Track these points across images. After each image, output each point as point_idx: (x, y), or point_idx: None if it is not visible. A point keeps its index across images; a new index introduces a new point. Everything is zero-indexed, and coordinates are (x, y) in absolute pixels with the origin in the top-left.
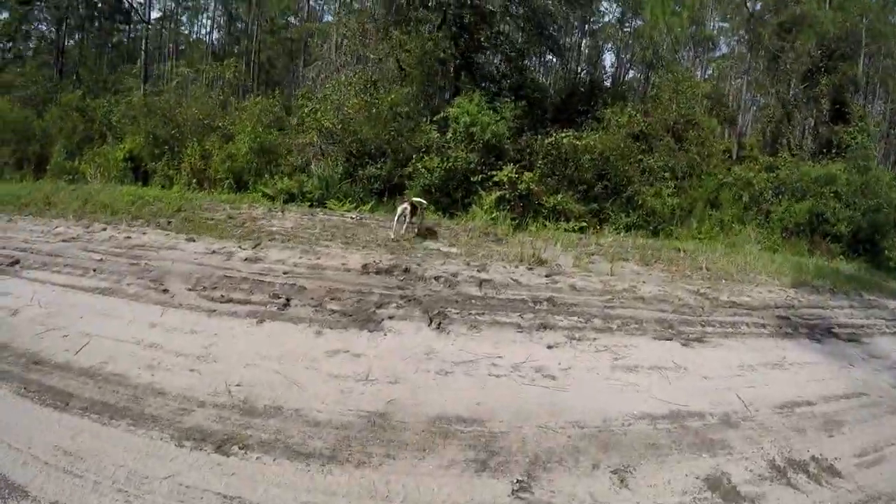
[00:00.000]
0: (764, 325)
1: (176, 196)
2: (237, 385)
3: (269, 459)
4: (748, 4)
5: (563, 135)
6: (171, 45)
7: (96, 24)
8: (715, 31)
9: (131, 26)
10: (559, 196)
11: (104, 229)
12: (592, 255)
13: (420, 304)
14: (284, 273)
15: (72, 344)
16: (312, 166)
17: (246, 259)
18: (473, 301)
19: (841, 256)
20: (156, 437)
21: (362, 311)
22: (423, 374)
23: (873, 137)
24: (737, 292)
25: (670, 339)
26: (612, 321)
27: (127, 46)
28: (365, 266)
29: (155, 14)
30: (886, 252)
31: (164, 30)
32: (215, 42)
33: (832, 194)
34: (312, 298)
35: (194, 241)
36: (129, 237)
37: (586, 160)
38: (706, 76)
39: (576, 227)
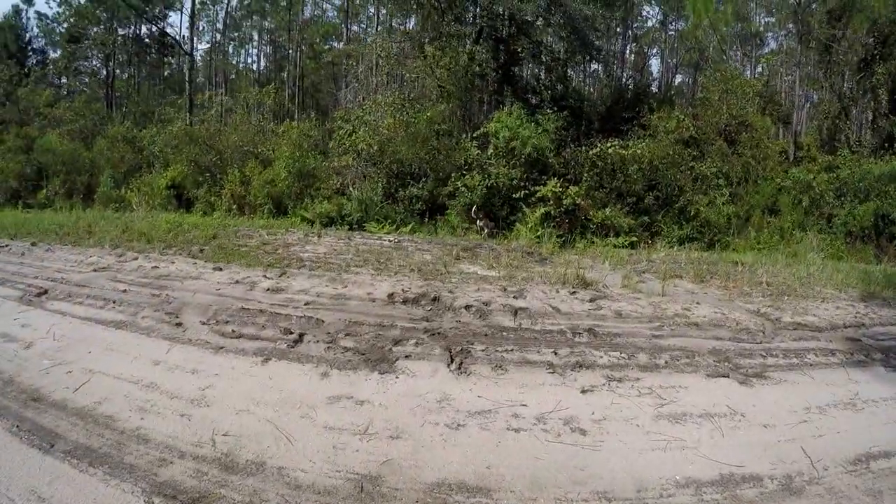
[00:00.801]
0: (833, 352)
1: (214, 223)
2: (224, 435)
3: None
4: None
5: (609, 144)
6: (220, 75)
7: (147, 57)
8: (762, 27)
9: (180, 58)
10: (607, 210)
11: (136, 258)
12: (643, 272)
13: (444, 338)
14: (305, 304)
15: (73, 381)
16: (351, 189)
17: (268, 289)
18: (505, 334)
19: None
20: (127, 489)
21: (377, 349)
22: (430, 427)
23: None
24: (801, 310)
25: (726, 376)
26: (659, 355)
27: (176, 78)
28: (391, 295)
29: (203, 46)
30: None
31: (212, 61)
32: (262, 70)
33: None
34: (328, 334)
35: (220, 270)
36: (156, 266)
37: (634, 170)
38: (756, 74)
39: (626, 243)
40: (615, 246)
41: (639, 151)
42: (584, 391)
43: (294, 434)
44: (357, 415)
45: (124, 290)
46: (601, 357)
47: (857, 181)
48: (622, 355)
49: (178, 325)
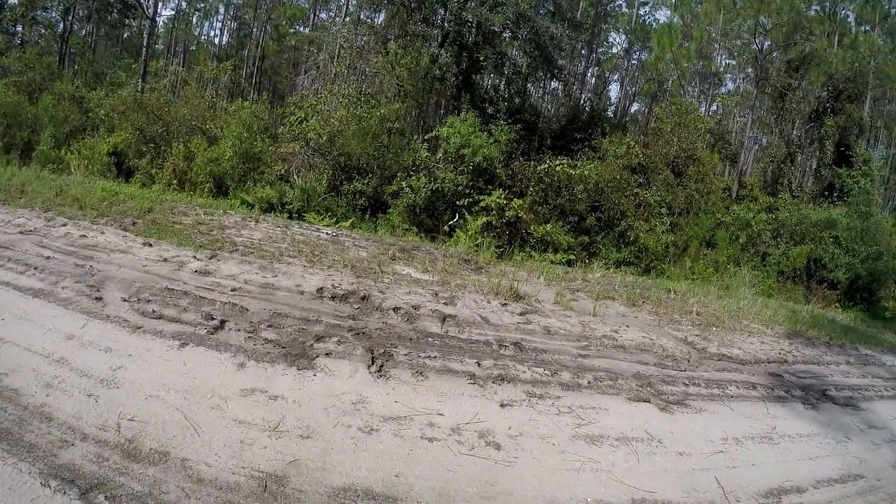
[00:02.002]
0: (754, 386)
1: (152, 196)
2: (130, 419)
3: None
4: (757, 41)
5: (557, 162)
6: (180, 45)
7: (108, 16)
8: (722, 68)
9: (140, 22)
10: (549, 226)
11: (65, 225)
12: (577, 291)
13: (368, 338)
14: (232, 290)
15: None
16: (295, 177)
17: (196, 271)
18: (430, 340)
19: (837, 304)
20: (24, 469)
21: (298, 344)
22: (342, 429)
23: (876, 183)
24: (727, 342)
25: (647, 401)
26: (583, 374)
27: (135, 42)
28: (320, 290)
29: (168, 12)
30: (883, 302)
31: (174, 29)
32: (223, 45)
33: (832, 239)
34: (250, 323)
35: (150, 245)
36: (84, 236)
37: (580, 190)
38: (710, 112)
39: (563, 260)
40: (552, 262)
41: (586, 172)
42: (503, 405)
43: (202, 425)
44: (269, 410)
45: (48, 257)
46: (524, 372)
47: (794, 224)
48: (546, 372)
49: (99, 299)
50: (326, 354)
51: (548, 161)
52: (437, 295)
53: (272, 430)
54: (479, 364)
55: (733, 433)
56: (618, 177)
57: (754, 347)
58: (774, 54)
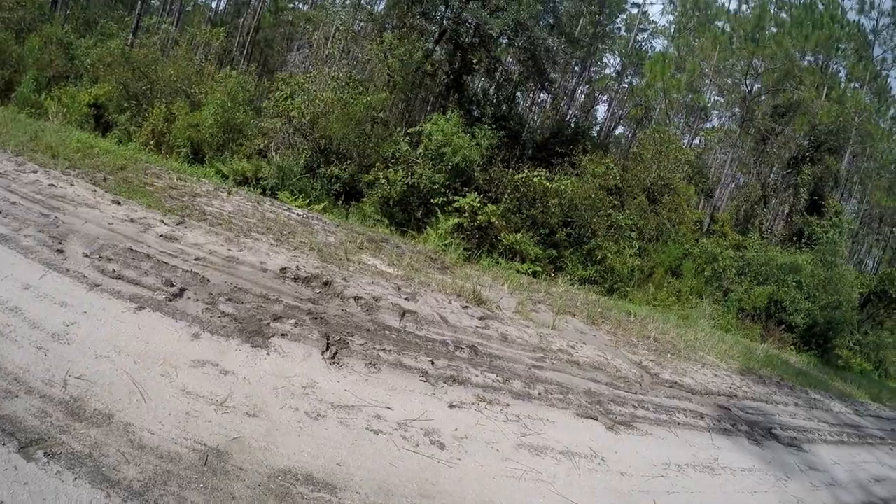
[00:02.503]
0: (702, 416)
1: (127, 154)
2: (78, 378)
3: (69, 478)
4: (747, 82)
5: (536, 174)
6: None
7: None
8: (710, 104)
9: None
10: (519, 235)
11: (35, 171)
12: (539, 303)
13: (326, 324)
14: (195, 259)
15: None
16: (274, 153)
17: (161, 235)
18: (387, 333)
19: (792, 347)
20: None
21: (255, 321)
22: (289, 411)
23: (844, 235)
24: (680, 371)
25: (595, 419)
26: (534, 385)
27: None
28: (283, 270)
29: None
30: (837, 350)
31: None
32: (220, 10)
33: (794, 284)
34: (210, 294)
35: (119, 204)
36: (54, 185)
37: (554, 204)
38: (692, 144)
39: (530, 270)
40: (519, 271)
41: (562, 187)
42: (452, 406)
43: (150, 391)
44: (218, 384)
45: (14, 203)
46: (477, 376)
47: (759, 264)
48: (498, 378)
49: (60, 251)
50: (282, 335)
51: (526, 171)
52: (399, 289)
53: (219, 405)
54: (433, 363)
55: (676, 459)
56: (593, 195)
57: (706, 379)
58: (762, 97)
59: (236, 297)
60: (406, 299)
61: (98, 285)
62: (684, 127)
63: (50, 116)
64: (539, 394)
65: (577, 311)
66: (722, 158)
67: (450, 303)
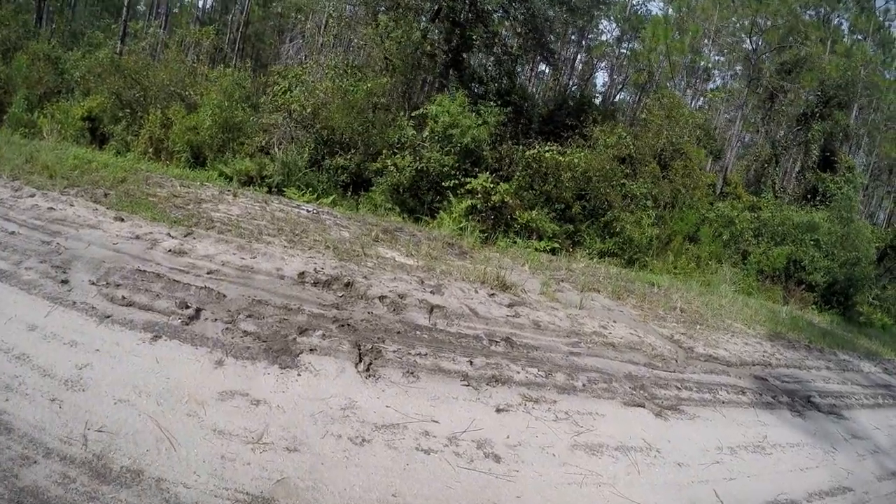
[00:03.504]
0: (743, 391)
1: (126, 165)
2: (98, 430)
3: None
4: (752, 40)
5: (547, 148)
6: (163, 7)
7: None
8: (710, 65)
9: None
10: (534, 212)
11: (32, 195)
12: (562, 281)
13: (354, 331)
14: (208, 273)
15: None
16: (276, 149)
17: (170, 250)
18: (419, 333)
19: (813, 306)
20: None
21: (280, 338)
22: (332, 440)
23: (857, 189)
24: (712, 342)
25: (642, 406)
26: (577, 375)
27: (116, 1)
28: (302, 274)
29: None
30: (857, 307)
31: None
32: (207, 8)
33: (812, 242)
34: (228, 312)
35: (122, 220)
36: (53, 208)
37: (567, 178)
38: (696, 106)
39: (547, 247)
40: (536, 249)
41: (576, 160)
42: (499, 410)
43: (178, 436)
44: (251, 418)
45: (13, 232)
46: (518, 372)
47: (776, 225)
48: (539, 372)
49: (65, 282)
50: (311, 350)
51: (537, 146)
52: (423, 283)
53: (256, 443)
54: (471, 363)
55: (728, 442)
56: (606, 167)
57: (738, 349)
58: (767, 55)
59: (256, 312)
60: (431, 293)
61: (108, 316)
62: (685, 89)
63: (45, 134)
64: (583, 385)
65: (600, 286)
66: (726, 118)
67: (476, 291)
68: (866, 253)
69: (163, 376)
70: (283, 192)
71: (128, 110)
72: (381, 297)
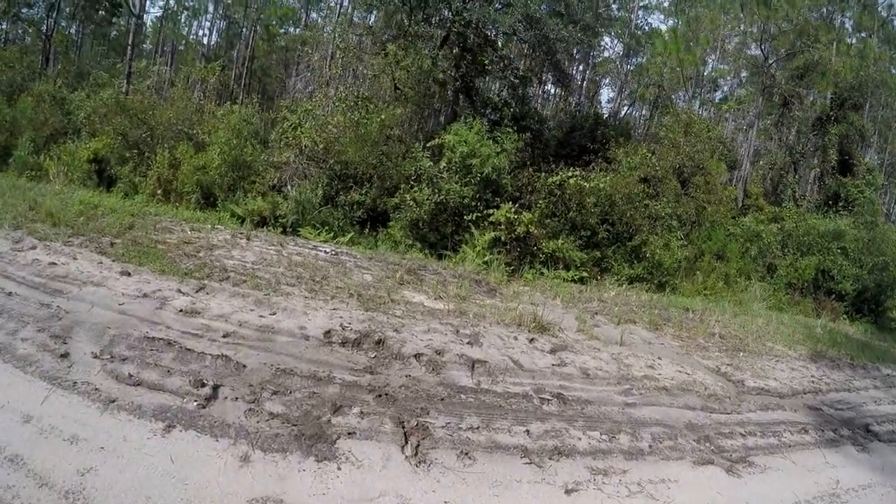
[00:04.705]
0: (805, 429)
1: (134, 209)
2: None
3: None
4: (763, 48)
5: (570, 174)
6: (169, 45)
7: (94, 14)
8: (715, 73)
9: (127, 20)
10: (559, 241)
11: (34, 248)
12: (596, 314)
13: (394, 402)
14: (224, 337)
15: None
16: (289, 187)
17: (181, 310)
18: (463, 397)
19: (844, 316)
20: None
21: (312, 420)
22: None
23: (877, 190)
24: (759, 372)
25: (711, 462)
26: (640, 434)
27: (121, 41)
28: (328, 333)
29: (156, 11)
30: (889, 313)
31: (162, 28)
32: (212, 45)
33: (839, 250)
34: (250, 387)
35: (129, 275)
36: (54, 263)
37: (591, 203)
38: (705, 117)
39: (575, 277)
40: (564, 280)
41: (601, 185)
42: (568, 491)
43: None
44: None
45: (10, 294)
46: (580, 439)
47: (801, 235)
48: (602, 436)
49: (65, 356)
50: (349, 434)
51: (560, 172)
52: (458, 332)
53: None
54: (528, 432)
55: (804, 495)
56: (632, 189)
57: (786, 376)
58: (771, 62)
59: (282, 386)
60: (469, 344)
61: (113, 401)
62: (689, 100)
63: (51, 177)
64: (649, 446)
65: (636, 316)
66: (733, 127)
67: (515, 338)
68: (893, 256)
69: (180, 481)
70: (299, 231)
71: (135, 151)
72: (418, 356)
